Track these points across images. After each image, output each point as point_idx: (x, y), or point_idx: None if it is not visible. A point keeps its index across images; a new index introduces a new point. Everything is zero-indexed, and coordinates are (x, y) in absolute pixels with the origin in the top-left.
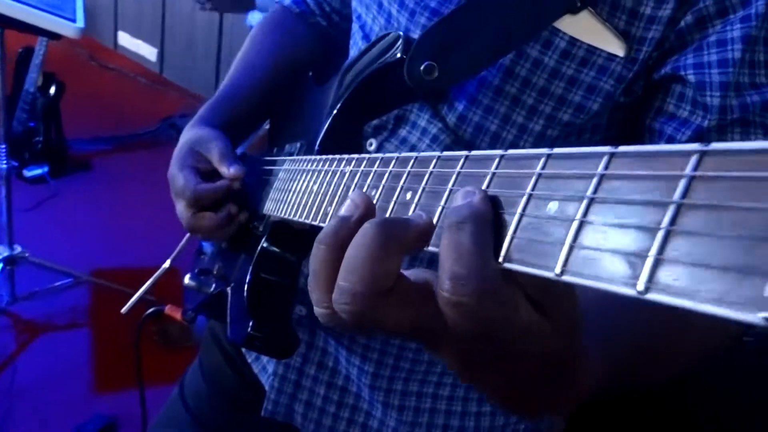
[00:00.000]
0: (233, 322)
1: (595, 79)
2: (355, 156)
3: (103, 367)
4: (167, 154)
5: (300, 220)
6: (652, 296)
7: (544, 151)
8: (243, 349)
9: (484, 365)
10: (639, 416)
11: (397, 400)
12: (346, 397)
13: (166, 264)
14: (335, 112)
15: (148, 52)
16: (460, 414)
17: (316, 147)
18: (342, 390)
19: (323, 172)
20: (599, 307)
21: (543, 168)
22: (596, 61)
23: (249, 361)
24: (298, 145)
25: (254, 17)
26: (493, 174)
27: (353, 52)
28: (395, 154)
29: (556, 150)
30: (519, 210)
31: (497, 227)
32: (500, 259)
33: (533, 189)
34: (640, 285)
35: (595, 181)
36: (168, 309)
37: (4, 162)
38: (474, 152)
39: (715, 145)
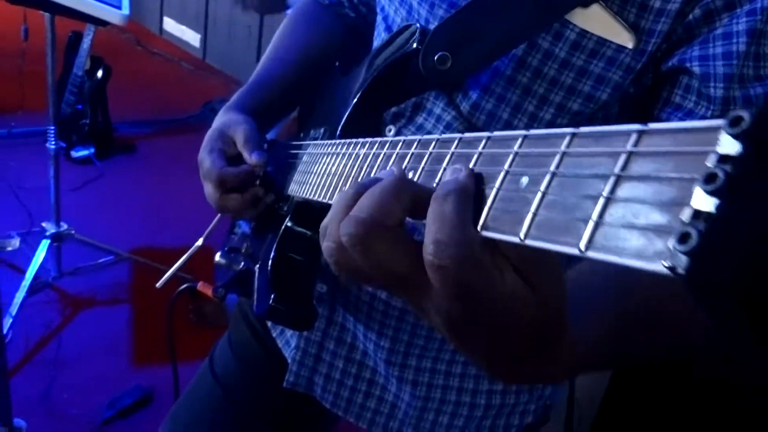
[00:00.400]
0: (258, 297)
1: (605, 70)
2: (369, 139)
3: (140, 341)
4: None
5: (320, 200)
6: (590, 254)
7: (522, 132)
8: (269, 325)
9: (467, 327)
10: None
11: (411, 375)
12: (364, 371)
13: (199, 242)
14: (356, 99)
15: (191, 37)
16: (472, 391)
17: (338, 132)
18: (360, 364)
19: (341, 155)
20: (587, 284)
21: (519, 147)
22: (605, 53)
23: (274, 335)
24: (322, 130)
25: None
26: (480, 153)
27: (376, 43)
28: (402, 138)
29: (532, 131)
30: (497, 184)
31: (479, 200)
32: (478, 228)
33: (510, 166)
34: (582, 245)
35: (557, 158)
36: (200, 285)
37: (53, 143)
38: (466, 134)
39: (652, 125)
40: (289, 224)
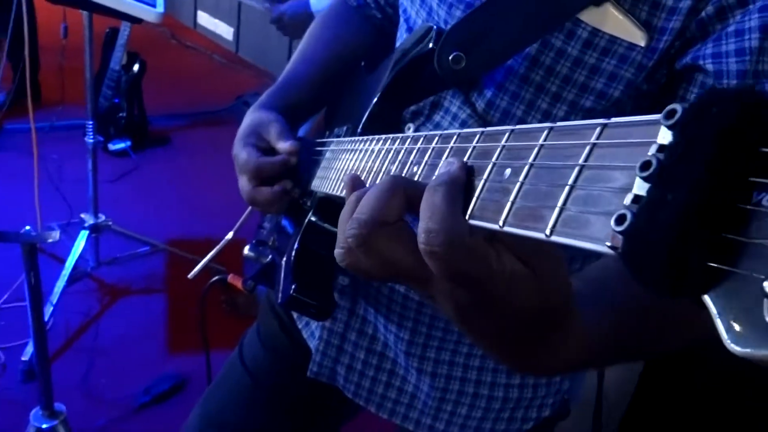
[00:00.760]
0: (281, 288)
1: (617, 68)
2: (383, 136)
3: (175, 330)
4: None
5: (339, 194)
6: (554, 238)
7: (509, 127)
8: (294, 316)
9: (473, 312)
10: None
11: (430, 367)
12: (384, 362)
13: (229, 235)
14: (377, 97)
15: (225, 31)
16: (490, 384)
17: (359, 129)
18: (380, 356)
19: (358, 151)
20: (599, 278)
21: (507, 141)
22: (617, 51)
23: (300, 327)
24: (345, 128)
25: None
26: (474, 148)
27: (398, 44)
28: (410, 134)
29: (518, 126)
30: (485, 176)
31: (469, 191)
32: (467, 217)
33: (497, 158)
34: (548, 231)
35: (535, 151)
36: (230, 278)
37: (92, 137)
38: (465, 130)
39: (614, 120)
40: (312, 219)
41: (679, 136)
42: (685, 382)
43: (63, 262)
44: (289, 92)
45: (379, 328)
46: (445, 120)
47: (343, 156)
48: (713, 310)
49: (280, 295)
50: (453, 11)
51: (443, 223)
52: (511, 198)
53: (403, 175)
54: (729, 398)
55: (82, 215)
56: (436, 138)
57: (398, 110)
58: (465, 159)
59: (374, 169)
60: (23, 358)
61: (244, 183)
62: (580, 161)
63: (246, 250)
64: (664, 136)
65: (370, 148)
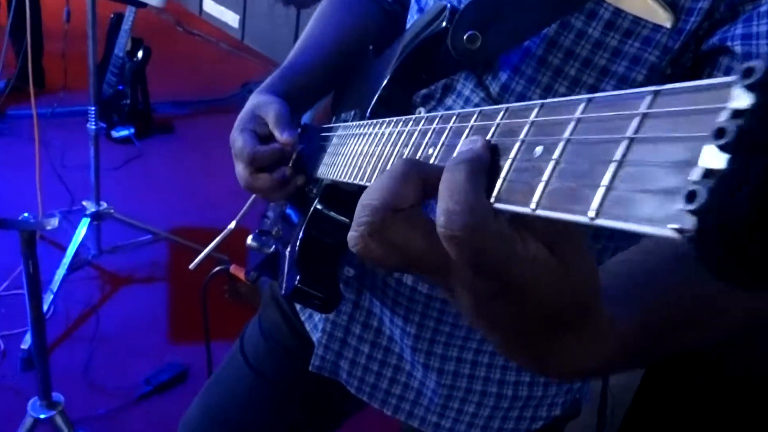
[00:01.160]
0: (285, 278)
1: (640, 50)
2: (394, 119)
3: (176, 319)
4: None
5: (347, 180)
6: (600, 221)
7: (539, 102)
8: (297, 308)
9: (491, 303)
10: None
11: (437, 363)
12: (389, 357)
13: (232, 225)
14: (386, 80)
15: (230, 18)
16: (498, 382)
17: (367, 114)
18: (385, 350)
19: (366, 135)
20: (630, 274)
21: (536, 116)
22: (641, 32)
23: (303, 319)
24: (353, 113)
25: None
26: (497, 125)
27: (408, 25)
28: (425, 115)
29: (549, 100)
30: (512, 155)
31: (494, 172)
32: (492, 199)
33: (525, 136)
34: (592, 212)
35: (572, 125)
36: (233, 268)
37: (94, 123)
38: (486, 107)
39: (667, 86)
40: (317, 207)
41: (762, 97)
42: (689, 379)
43: (64, 249)
44: (294, 77)
45: (384, 322)
46: (457, 104)
47: (351, 141)
48: None
49: (284, 286)
50: None
51: (465, 203)
52: (545, 178)
53: (418, 158)
54: (732, 396)
55: (84, 203)
56: (454, 117)
57: (408, 94)
58: (488, 137)
59: (385, 154)
60: (23, 347)
61: (240, 169)
62: (628, 134)
63: (249, 240)
64: (741, 99)
65: (381, 132)
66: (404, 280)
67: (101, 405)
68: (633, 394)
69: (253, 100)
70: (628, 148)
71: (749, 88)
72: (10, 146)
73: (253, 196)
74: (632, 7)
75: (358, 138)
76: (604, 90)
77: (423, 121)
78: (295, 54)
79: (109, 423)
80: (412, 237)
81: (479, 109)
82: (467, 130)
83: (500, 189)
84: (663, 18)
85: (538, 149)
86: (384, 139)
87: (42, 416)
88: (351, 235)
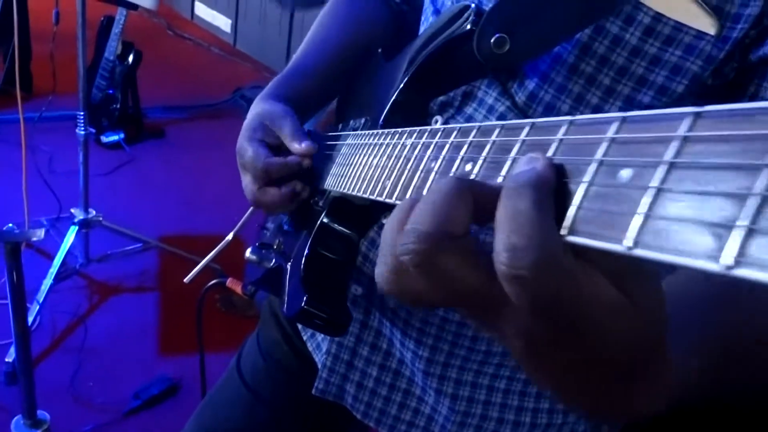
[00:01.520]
0: (289, 297)
1: (682, 59)
2: (417, 128)
3: (167, 331)
4: (238, 125)
5: (359, 194)
6: (741, 272)
7: (618, 115)
8: (299, 327)
9: (551, 350)
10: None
11: (451, 388)
12: (399, 381)
13: (230, 236)
14: (401, 86)
15: (222, 23)
16: (516, 408)
17: (380, 122)
18: (395, 373)
19: (383, 146)
20: (687, 306)
21: (616, 133)
22: (683, 39)
23: (304, 338)
24: (363, 120)
25: None
26: (560, 141)
27: (423, 27)
28: (457, 125)
29: (632, 113)
30: (587, 178)
31: (562, 197)
32: (563, 231)
33: (604, 155)
34: (728, 258)
35: (675, 144)
36: (229, 282)
37: (83, 128)
38: (540, 119)
39: None
40: (324, 220)
41: None
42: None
43: (51, 258)
44: (299, 81)
45: (394, 343)
46: (479, 113)
47: (365, 151)
48: None
49: (286, 306)
50: None
51: (534, 237)
52: (642, 209)
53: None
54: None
55: (72, 210)
56: (497, 130)
57: (425, 101)
58: (549, 155)
59: (408, 167)
60: (7, 359)
61: (248, 182)
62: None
63: (248, 252)
64: None
65: (401, 142)
66: None
67: (88, 420)
68: None
69: (259, 106)
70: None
71: None
72: None
73: (252, 207)
74: (674, 12)
75: (373, 148)
76: (641, 101)
77: (456, 132)
78: (299, 57)
79: None
80: (467, 272)
81: (531, 121)
82: (518, 145)
83: (574, 219)
84: (707, 24)
85: (626, 173)
86: (407, 150)
87: None
88: (382, 272)
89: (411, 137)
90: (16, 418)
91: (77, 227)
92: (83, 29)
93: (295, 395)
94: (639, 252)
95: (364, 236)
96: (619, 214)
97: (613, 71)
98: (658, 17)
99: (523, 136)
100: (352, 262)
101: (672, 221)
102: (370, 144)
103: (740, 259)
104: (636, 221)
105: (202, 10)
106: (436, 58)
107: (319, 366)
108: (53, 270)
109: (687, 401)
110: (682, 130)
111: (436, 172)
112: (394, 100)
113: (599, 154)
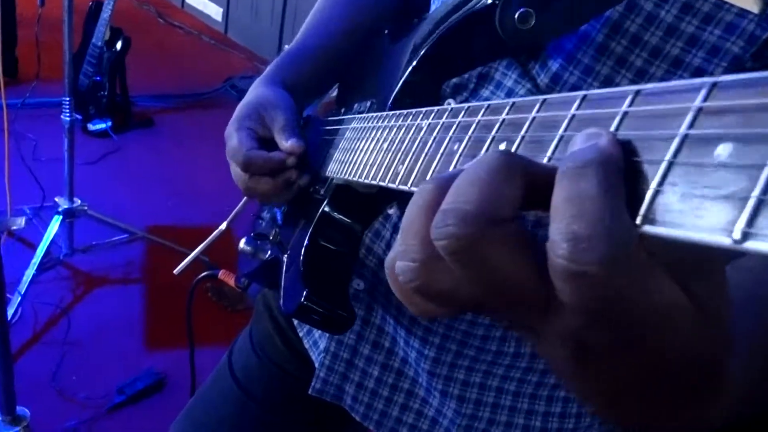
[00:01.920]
0: (287, 292)
1: (721, 39)
2: (435, 108)
3: (154, 324)
4: (228, 114)
5: (366, 181)
6: None
7: (707, 80)
8: (295, 323)
9: (605, 359)
10: None
11: (458, 389)
12: (402, 381)
13: (222, 226)
14: (412, 66)
15: (213, 11)
16: (526, 412)
17: (389, 104)
18: (398, 373)
19: (395, 128)
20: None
21: (704, 101)
22: (724, 18)
23: (300, 334)
24: (368, 103)
25: None
26: (625, 113)
27: (435, 4)
28: (485, 103)
29: (723, 77)
30: (668, 156)
31: (631, 180)
32: (638, 221)
33: (689, 128)
34: None
35: None
36: (221, 274)
37: (68, 115)
38: (593, 91)
39: None
40: (326, 209)
41: None
42: None
43: (34, 248)
44: (301, 65)
45: (398, 341)
46: (497, 96)
47: (373, 135)
48: None
49: (284, 301)
50: None
51: (601, 226)
52: (756, 191)
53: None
54: None
55: (57, 199)
56: (538, 104)
57: (438, 82)
58: (613, 129)
59: (426, 151)
60: None
61: (238, 171)
62: None
63: (242, 243)
64: None
65: (417, 123)
66: None
67: (71, 416)
68: None
69: (256, 91)
70: None
71: None
72: None
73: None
74: None
75: (383, 131)
76: None
77: (483, 110)
78: (301, 39)
79: None
80: (514, 264)
81: (582, 93)
82: (567, 120)
83: (651, 205)
84: (750, 2)
85: (722, 149)
86: (422, 134)
87: None
88: (405, 265)
89: (428, 118)
90: None
91: (61, 216)
92: (70, 13)
93: (289, 394)
94: (752, 245)
95: (369, 227)
96: (719, 200)
97: (646, 52)
98: None
99: (573, 110)
100: (355, 255)
101: None
102: (379, 127)
103: None
104: (747, 207)
105: None
106: (451, 35)
107: (317, 364)
108: (36, 260)
109: (743, 413)
110: None
111: (461, 155)
112: (405, 80)
113: (683, 126)
